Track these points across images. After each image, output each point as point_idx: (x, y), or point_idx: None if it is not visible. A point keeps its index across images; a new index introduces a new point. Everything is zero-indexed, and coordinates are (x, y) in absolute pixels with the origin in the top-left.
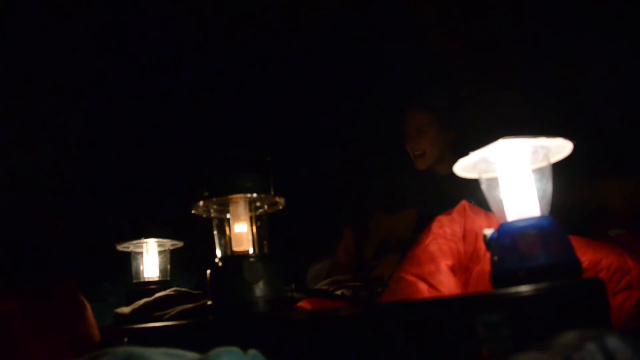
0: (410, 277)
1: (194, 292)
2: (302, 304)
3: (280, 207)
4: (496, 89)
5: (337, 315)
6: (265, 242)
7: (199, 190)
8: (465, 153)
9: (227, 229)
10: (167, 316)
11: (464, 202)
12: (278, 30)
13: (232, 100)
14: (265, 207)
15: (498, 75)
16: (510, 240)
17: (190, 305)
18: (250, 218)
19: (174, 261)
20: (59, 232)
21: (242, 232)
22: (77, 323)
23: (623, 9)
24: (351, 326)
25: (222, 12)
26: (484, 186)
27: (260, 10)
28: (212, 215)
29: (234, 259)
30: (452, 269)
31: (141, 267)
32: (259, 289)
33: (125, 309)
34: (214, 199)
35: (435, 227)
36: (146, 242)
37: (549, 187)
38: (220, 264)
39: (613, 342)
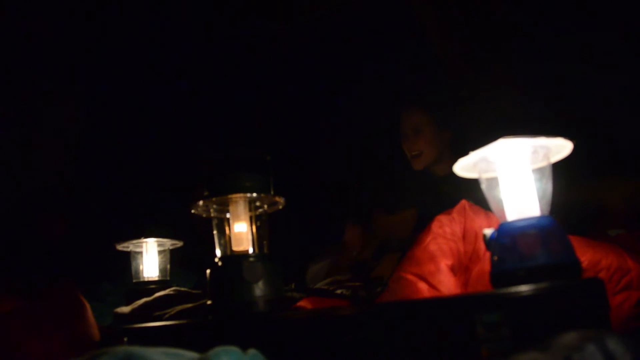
0: (410, 277)
1: (194, 291)
2: (302, 303)
3: (280, 207)
4: (496, 89)
5: (337, 314)
6: (265, 241)
7: (199, 190)
8: (463, 153)
9: (226, 228)
10: (166, 316)
11: (464, 202)
12: (278, 29)
13: (232, 100)
14: (265, 206)
15: (498, 74)
16: (510, 240)
17: (189, 305)
18: (250, 218)
19: (173, 261)
20: (59, 232)
21: (241, 231)
22: (77, 323)
23: (623, 8)
24: (351, 326)
25: (222, 11)
26: (484, 186)
27: (260, 9)
28: (212, 214)
29: (234, 259)
30: (452, 269)
31: (141, 267)
32: (259, 289)
33: (125, 309)
34: (214, 199)
35: (435, 226)
36: (146, 242)
37: (549, 187)
38: (220, 263)
39: (613, 344)
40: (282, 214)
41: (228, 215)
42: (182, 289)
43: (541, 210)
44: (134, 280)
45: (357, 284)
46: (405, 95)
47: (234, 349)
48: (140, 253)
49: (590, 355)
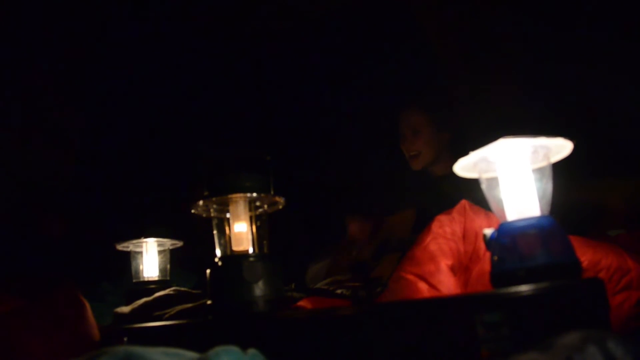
0: (410, 277)
1: (194, 291)
2: (302, 303)
3: (280, 207)
4: (496, 89)
5: (337, 314)
6: (265, 241)
7: (198, 190)
8: (461, 153)
9: (226, 228)
10: (166, 316)
11: (464, 202)
12: (277, 29)
13: (232, 100)
14: (265, 206)
15: (498, 74)
16: (510, 240)
17: (189, 305)
18: (250, 218)
19: (173, 261)
20: (58, 231)
21: (241, 231)
22: (77, 323)
23: (623, 8)
24: (351, 326)
25: (222, 11)
26: (484, 186)
27: (260, 9)
28: (212, 214)
29: (234, 259)
30: (452, 269)
31: (141, 267)
32: (259, 289)
33: (125, 309)
34: (214, 199)
35: (435, 226)
36: (146, 242)
37: (549, 187)
38: (220, 263)
39: (614, 344)
40: (282, 214)
41: (228, 215)
42: (182, 289)
43: (541, 210)
44: (134, 280)
45: (357, 284)
46: (404, 95)
47: (234, 349)
48: (140, 253)
49: (591, 355)
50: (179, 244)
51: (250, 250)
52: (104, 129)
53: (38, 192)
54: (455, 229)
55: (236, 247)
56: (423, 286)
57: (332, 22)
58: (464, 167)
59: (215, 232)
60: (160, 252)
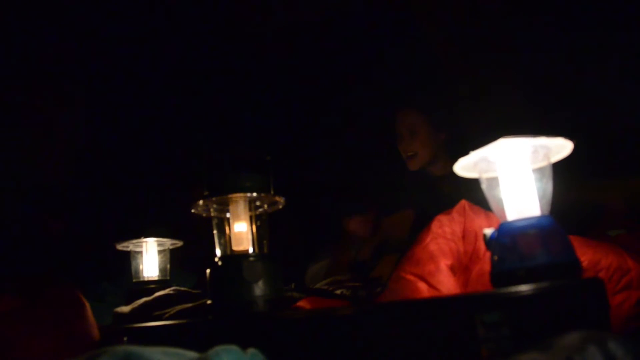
0: (409, 277)
1: (194, 291)
2: (302, 303)
3: (280, 207)
4: (496, 89)
5: (337, 314)
6: (265, 241)
7: (198, 189)
8: (459, 153)
9: (226, 228)
10: (166, 315)
11: (463, 202)
12: (277, 29)
13: (232, 99)
14: (265, 206)
15: (498, 74)
16: (510, 240)
17: (189, 305)
18: (250, 217)
19: (173, 260)
20: (58, 231)
21: (241, 231)
22: (77, 323)
23: (623, 8)
24: (351, 326)
25: (223, 10)
26: (484, 186)
27: (260, 9)
28: (212, 214)
29: (234, 259)
30: (452, 269)
31: (141, 267)
32: (259, 289)
33: (125, 309)
34: (214, 198)
35: (435, 226)
36: (146, 242)
37: (549, 186)
38: (219, 263)
39: (614, 345)
40: (282, 214)
41: (228, 215)
42: (182, 288)
43: (541, 210)
44: (133, 280)
45: (357, 284)
46: (402, 96)
47: (234, 348)
48: (140, 253)
49: (591, 356)
50: (179, 243)
51: (250, 250)
52: (104, 128)
53: (38, 192)
54: (455, 229)
55: (236, 247)
56: (423, 286)
57: (332, 22)
58: (464, 167)
59: (215, 231)
60: (160, 252)
